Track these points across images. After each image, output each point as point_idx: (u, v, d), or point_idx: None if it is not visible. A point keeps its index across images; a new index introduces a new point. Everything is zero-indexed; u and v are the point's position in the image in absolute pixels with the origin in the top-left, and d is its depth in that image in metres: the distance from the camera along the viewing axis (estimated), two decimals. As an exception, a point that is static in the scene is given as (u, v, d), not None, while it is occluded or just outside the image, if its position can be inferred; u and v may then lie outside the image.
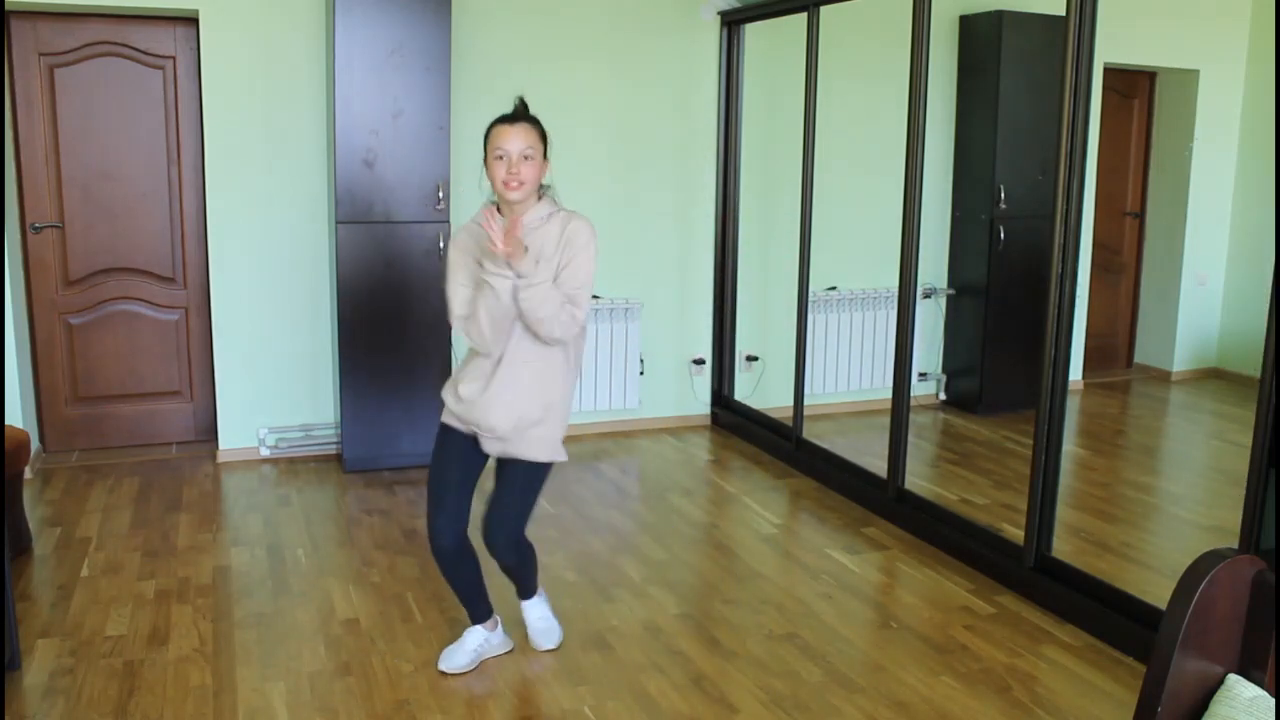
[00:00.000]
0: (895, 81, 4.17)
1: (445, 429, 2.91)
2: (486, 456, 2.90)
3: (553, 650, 3.14)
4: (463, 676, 2.97)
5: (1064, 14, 3.25)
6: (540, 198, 2.79)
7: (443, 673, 2.99)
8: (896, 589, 3.66)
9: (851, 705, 2.85)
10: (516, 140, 2.69)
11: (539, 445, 2.83)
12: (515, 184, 2.69)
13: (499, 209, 2.78)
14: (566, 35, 5.11)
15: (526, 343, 2.76)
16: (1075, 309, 3.39)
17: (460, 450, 2.89)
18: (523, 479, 2.89)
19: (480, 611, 3.04)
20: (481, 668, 3.02)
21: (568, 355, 2.84)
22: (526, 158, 2.69)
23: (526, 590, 3.15)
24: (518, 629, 3.18)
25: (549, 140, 2.78)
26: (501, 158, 2.70)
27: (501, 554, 2.93)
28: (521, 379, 2.77)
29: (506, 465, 2.90)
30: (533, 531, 4.07)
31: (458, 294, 2.81)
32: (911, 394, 4.27)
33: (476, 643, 3.04)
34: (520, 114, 2.75)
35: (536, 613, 3.15)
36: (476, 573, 3.00)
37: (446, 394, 2.89)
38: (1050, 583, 3.44)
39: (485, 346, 2.76)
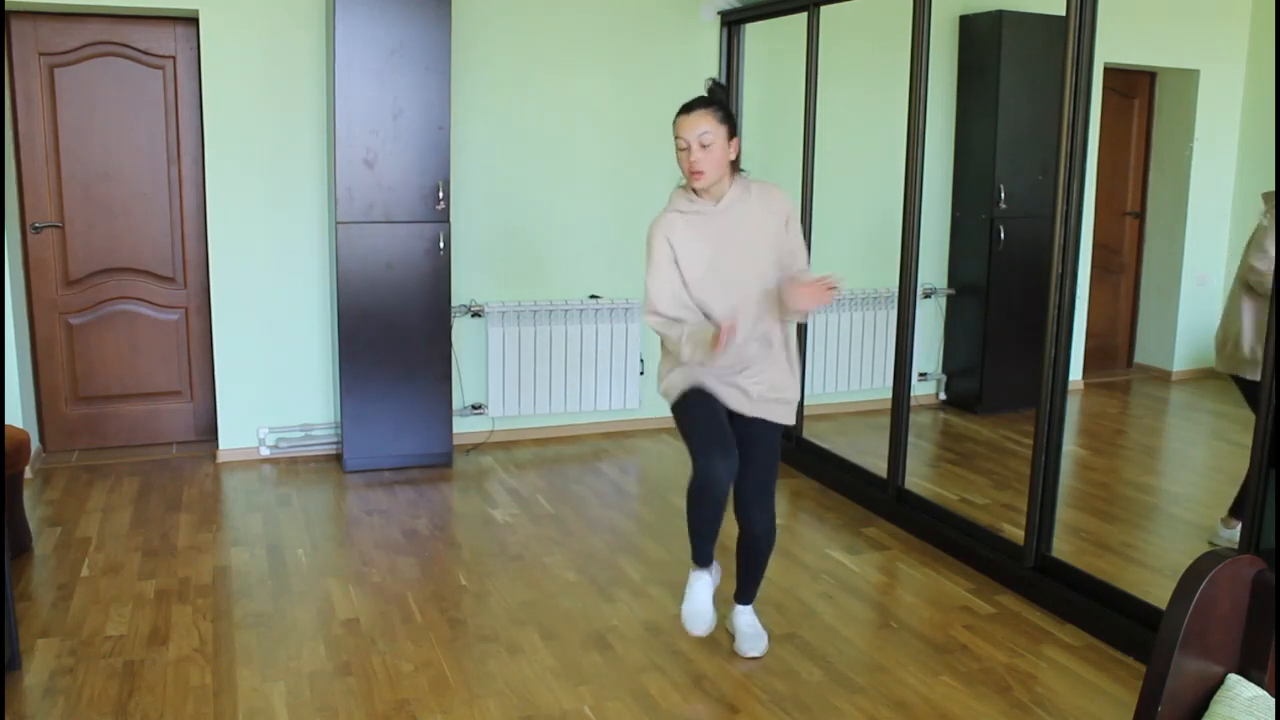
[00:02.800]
0: (895, 81, 4.17)
1: (695, 390, 2.94)
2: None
3: (758, 658, 3.11)
4: (464, 676, 2.97)
5: (1064, 14, 3.25)
6: (733, 179, 2.88)
7: (698, 635, 3.09)
8: (896, 589, 3.66)
9: (851, 705, 2.85)
10: (693, 129, 2.78)
11: (786, 409, 2.98)
12: (697, 174, 2.80)
13: (694, 189, 2.89)
14: (566, 35, 5.10)
15: (771, 322, 2.88)
16: (1075, 309, 3.39)
17: (717, 403, 2.93)
18: (771, 443, 2.99)
19: (710, 555, 3.07)
20: (483, 667, 3.03)
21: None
22: (704, 146, 2.78)
23: (749, 592, 3.18)
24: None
25: (735, 118, 2.87)
26: (685, 149, 2.80)
27: (762, 522, 3.04)
28: (778, 351, 2.93)
29: (752, 432, 2.96)
30: (533, 531, 4.08)
31: (664, 290, 2.88)
32: (911, 394, 4.28)
33: (709, 591, 3.08)
34: (696, 102, 2.84)
35: (748, 619, 3.18)
36: (723, 514, 3.04)
37: (694, 363, 2.88)
38: (1050, 583, 3.44)
39: (676, 349, 2.88)
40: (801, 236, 2.97)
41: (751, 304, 2.86)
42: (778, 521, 4.20)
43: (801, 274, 2.89)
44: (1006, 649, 3.18)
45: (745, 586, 3.18)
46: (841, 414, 5.61)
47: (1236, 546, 3.67)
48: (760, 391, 2.93)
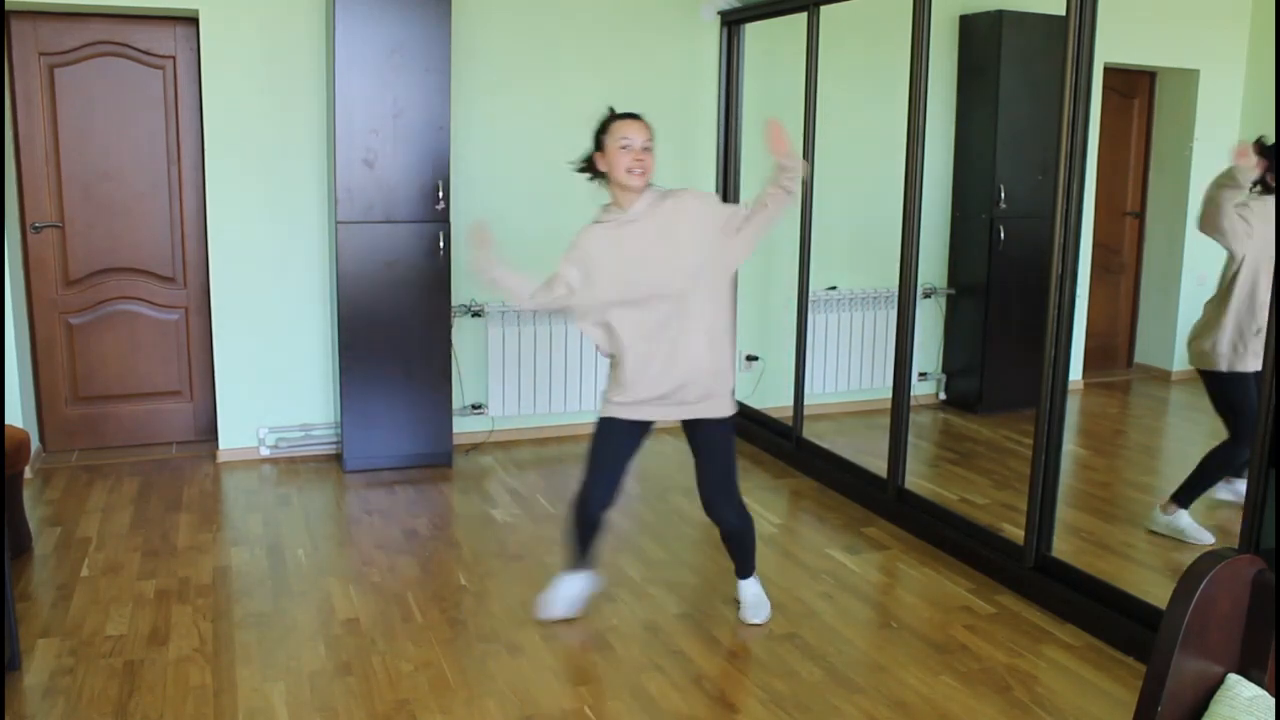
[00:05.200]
0: (895, 81, 4.17)
1: (610, 421, 3.15)
2: (644, 440, 3.19)
3: (759, 624, 3.31)
4: (463, 676, 2.97)
5: (1064, 14, 3.25)
6: (644, 193, 3.08)
7: (553, 619, 3.29)
8: (896, 589, 3.66)
9: (851, 705, 2.85)
10: (640, 133, 3.01)
11: (717, 404, 3.13)
12: (640, 171, 2.99)
13: (612, 204, 3.10)
14: (566, 35, 5.11)
15: (699, 305, 3.03)
16: (1075, 309, 3.39)
17: (626, 436, 3.15)
18: (723, 439, 3.17)
19: (581, 563, 3.34)
20: (483, 667, 3.03)
21: (723, 307, 3.13)
22: (647, 149, 3.01)
23: (746, 568, 3.36)
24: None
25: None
26: (626, 147, 2.99)
27: (730, 517, 3.20)
28: (700, 340, 3.06)
29: (702, 434, 3.16)
30: (533, 531, 4.08)
31: (562, 279, 3.08)
32: (911, 394, 4.27)
33: (572, 590, 3.34)
34: (635, 114, 3.08)
35: (753, 589, 3.37)
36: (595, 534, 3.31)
37: (624, 392, 3.10)
38: (1050, 583, 3.44)
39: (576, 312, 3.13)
40: (727, 204, 3.20)
41: (666, 304, 3.02)
42: (777, 521, 4.23)
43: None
44: (1006, 649, 3.18)
45: (740, 565, 3.37)
46: (841, 414, 5.61)
47: (1170, 530, 3.88)
48: (683, 395, 3.09)
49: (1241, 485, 3.85)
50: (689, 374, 3.06)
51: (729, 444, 3.20)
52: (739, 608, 3.37)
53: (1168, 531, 3.89)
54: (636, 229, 3.04)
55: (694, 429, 3.19)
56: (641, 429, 3.18)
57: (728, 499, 3.18)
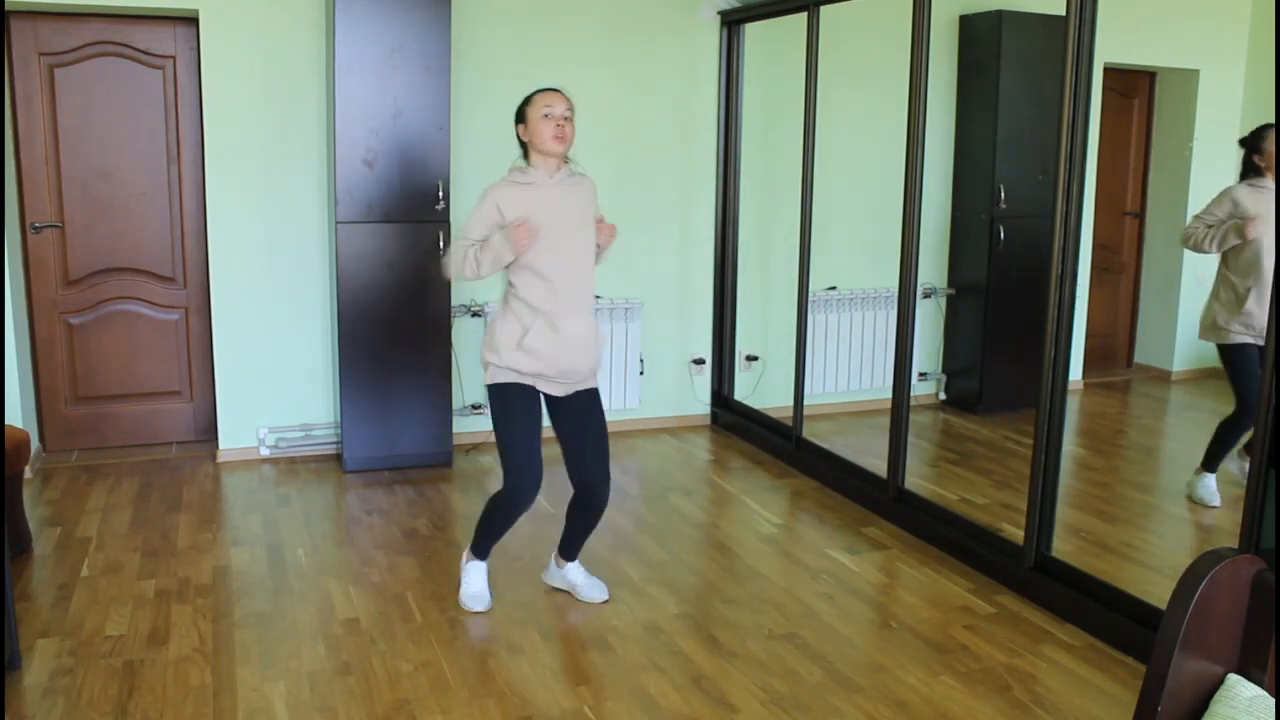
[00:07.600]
0: (895, 81, 4.17)
1: (513, 389, 3.24)
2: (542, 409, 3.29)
3: (607, 600, 3.45)
4: (463, 676, 2.97)
5: (1064, 14, 3.25)
6: (564, 164, 3.24)
7: (479, 612, 3.37)
8: (896, 589, 3.66)
9: (851, 705, 2.85)
10: (562, 102, 3.14)
11: (595, 374, 3.34)
12: (563, 136, 3.11)
13: (528, 168, 3.20)
14: (566, 35, 5.11)
15: (586, 297, 3.23)
16: (1075, 309, 3.39)
17: (531, 407, 3.27)
18: (599, 409, 3.35)
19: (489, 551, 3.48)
20: (483, 667, 3.03)
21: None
22: (568, 118, 3.14)
23: (578, 549, 3.49)
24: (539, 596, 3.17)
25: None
26: (548, 116, 3.11)
27: (606, 492, 3.36)
28: (589, 325, 3.25)
29: (582, 408, 3.30)
30: (533, 531, 4.08)
31: (477, 230, 3.18)
32: (911, 394, 4.27)
33: (485, 577, 3.48)
34: (557, 87, 3.21)
35: (582, 572, 3.51)
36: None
37: (516, 353, 3.19)
38: (1050, 583, 3.44)
39: (459, 274, 3.22)
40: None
41: (576, 273, 3.19)
42: (777, 521, 4.24)
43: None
44: (1006, 649, 3.18)
45: (576, 544, 3.48)
46: (841, 414, 5.61)
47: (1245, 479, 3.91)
48: (590, 365, 3.26)
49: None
50: (586, 353, 3.23)
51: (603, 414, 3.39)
52: (574, 590, 3.48)
53: (1190, 493, 4.11)
54: (549, 194, 3.15)
55: (574, 401, 3.31)
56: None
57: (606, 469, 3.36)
